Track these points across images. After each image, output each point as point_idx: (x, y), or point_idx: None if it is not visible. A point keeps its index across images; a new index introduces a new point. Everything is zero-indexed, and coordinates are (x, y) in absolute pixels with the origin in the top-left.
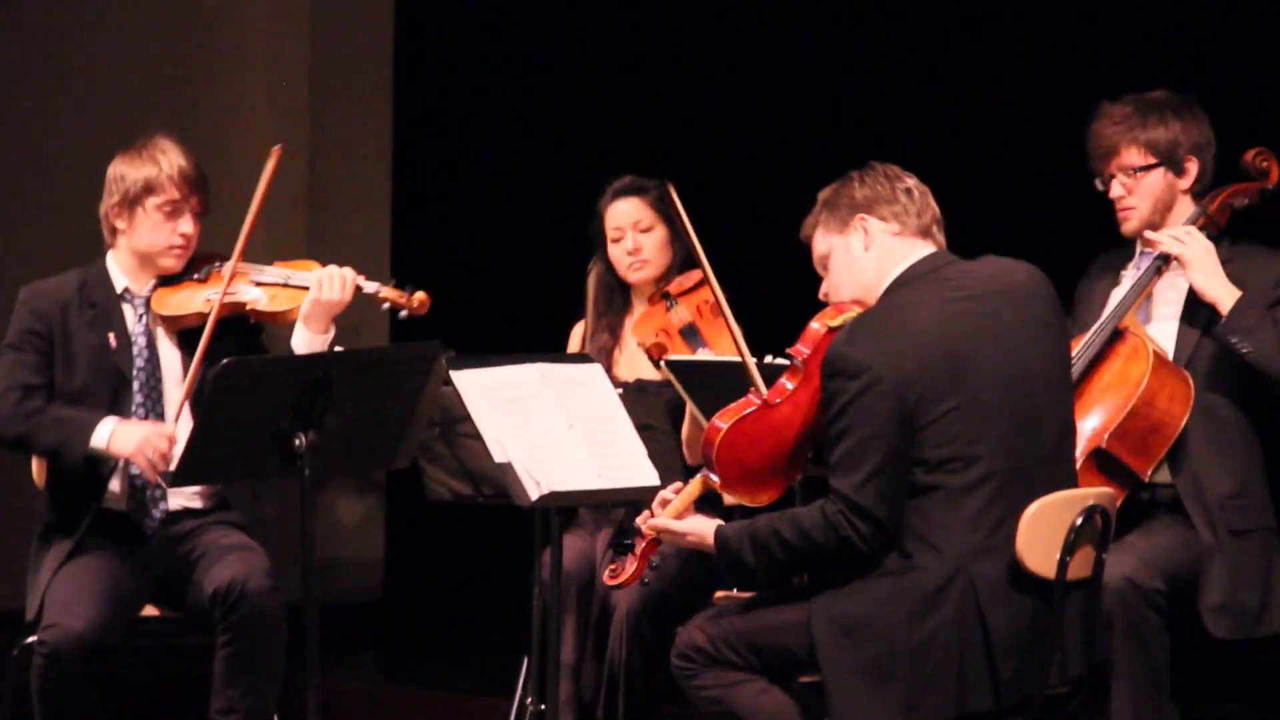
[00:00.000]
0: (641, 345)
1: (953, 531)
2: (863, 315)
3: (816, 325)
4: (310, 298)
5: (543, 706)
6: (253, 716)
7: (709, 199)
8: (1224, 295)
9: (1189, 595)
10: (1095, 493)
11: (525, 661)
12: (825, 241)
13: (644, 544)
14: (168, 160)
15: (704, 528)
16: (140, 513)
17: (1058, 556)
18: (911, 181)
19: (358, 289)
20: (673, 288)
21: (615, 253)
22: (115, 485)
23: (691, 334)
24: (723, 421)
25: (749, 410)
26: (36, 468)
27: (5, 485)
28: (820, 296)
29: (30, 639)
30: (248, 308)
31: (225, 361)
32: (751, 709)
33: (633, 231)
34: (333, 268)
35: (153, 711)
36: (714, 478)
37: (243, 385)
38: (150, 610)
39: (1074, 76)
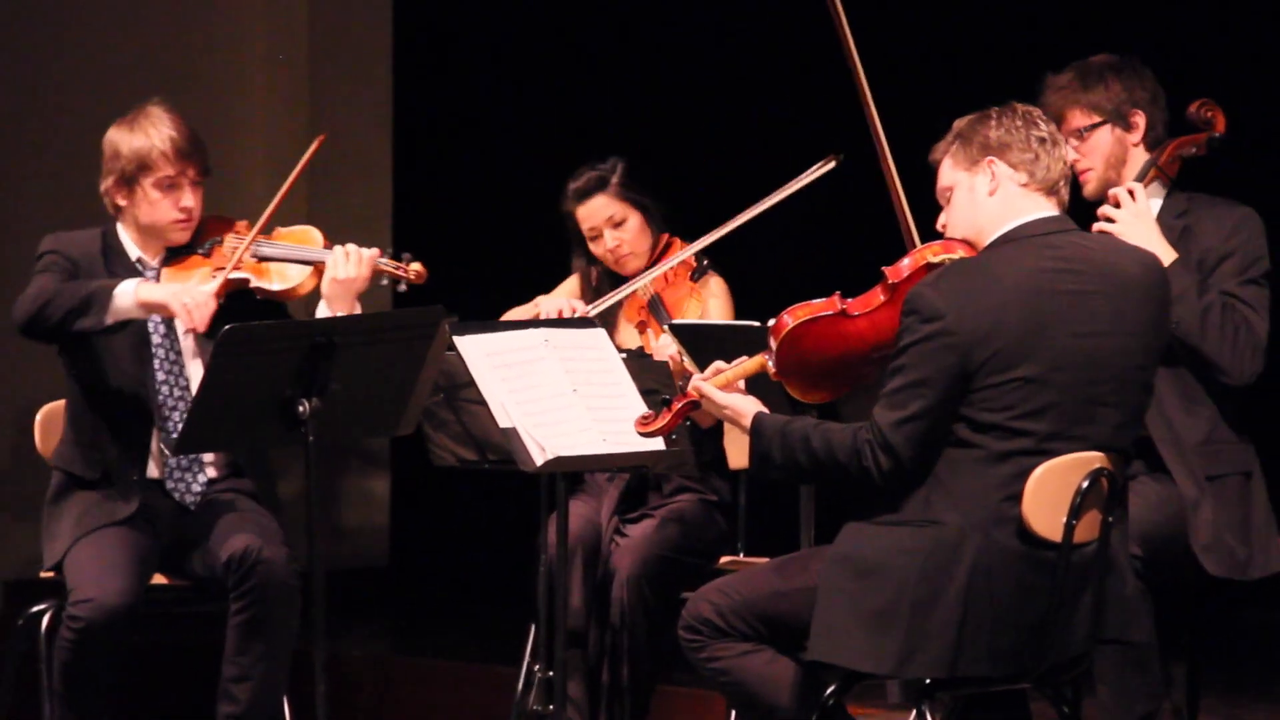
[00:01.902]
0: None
1: (979, 495)
2: (958, 262)
3: (919, 255)
4: (328, 277)
5: (550, 673)
6: (265, 684)
7: (707, 173)
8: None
9: (1174, 551)
10: (1101, 456)
11: (532, 628)
12: (952, 175)
13: (682, 402)
14: (159, 133)
15: (744, 406)
16: (180, 485)
17: (1063, 520)
18: (1046, 130)
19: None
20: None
21: (597, 250)
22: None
23: (656, 306)
24: (791, 318)
25: (824, 314)
26: (41, 440)
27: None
28: (938, 227)
29: (35, 609)
30: (250, 285)
31: (227, 328)
32: (761, 679)
33: (608, 229)
34: (351, 246)
35: (159, 682)
36: (770, 365)
37: (245, 351)
38: (158, 579)
39: (1022, 48)
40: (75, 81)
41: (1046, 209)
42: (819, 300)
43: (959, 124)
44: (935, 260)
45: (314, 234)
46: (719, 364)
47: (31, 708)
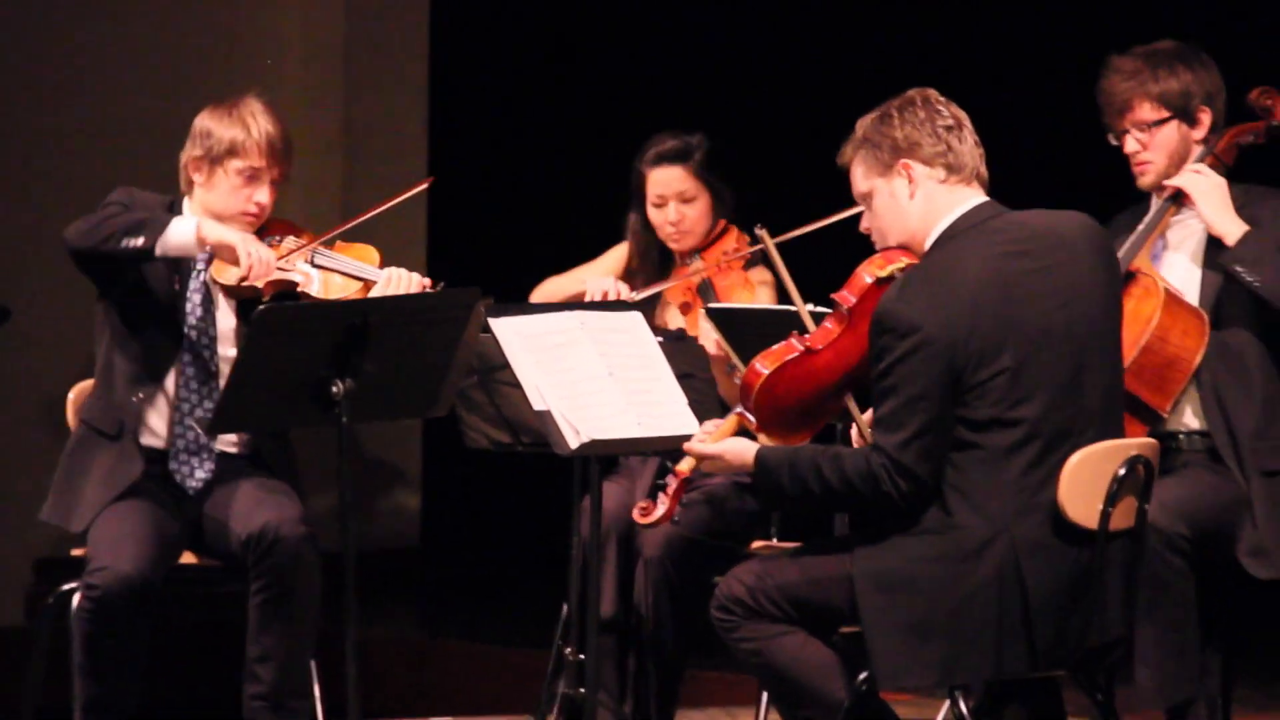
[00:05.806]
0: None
1: (995, 492)
2: (914, 270)
3: (865, 275)
4: (376, 293)
5: (581, 655)
6: (288, 663)
7: (746, 151)
8: (1232, 229)
9: (1221, 541)
10: (1138, 443)
11: (564, 611)
12: (867, 182)
13: (676, 483)
14: (256, 126)
15: (743, 447)
16: (184, 469)
17: (1099, 507)
18: (949, 114)
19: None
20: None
21: (655, 218)
22: (161, 427)
23: (705, 290)
24: (764, 366)
25: (791, 356)
26: (73, 420)
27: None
28: (862, 229)
29: (66, 586)
30: (298, 288)
31: (261, 308)
32: (792, 661)
33: (675, 202)
34: (402, 270)
35: (187, 662)
36: (750, 418)
37: (279, 332)
38: (188, 557)
39: (1079, 28)
40: (97, 71)
41: (973, 197)
42: (779, 345)
43: (862, 126)
44: (883, 274)
45: (373, 254)
46: (704, 428)
47: (64, 686)
